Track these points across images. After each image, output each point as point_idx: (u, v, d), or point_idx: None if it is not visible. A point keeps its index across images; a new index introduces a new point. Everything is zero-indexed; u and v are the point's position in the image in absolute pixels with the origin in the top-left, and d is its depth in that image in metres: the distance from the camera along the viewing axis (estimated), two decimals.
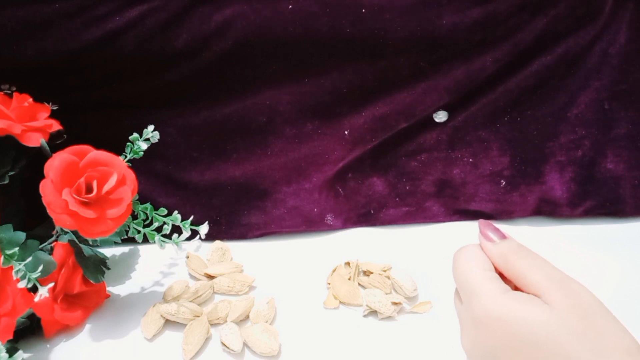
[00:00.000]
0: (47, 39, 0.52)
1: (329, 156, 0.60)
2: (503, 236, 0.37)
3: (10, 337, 0.41)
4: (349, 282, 0.53)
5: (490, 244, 0.37)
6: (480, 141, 0.61)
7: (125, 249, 0.58)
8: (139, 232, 0.47)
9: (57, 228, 0.48)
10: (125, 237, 0.50)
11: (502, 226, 0.60)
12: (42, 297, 0.40)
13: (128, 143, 0.48)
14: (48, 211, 0.43)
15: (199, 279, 0.54)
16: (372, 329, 0.49)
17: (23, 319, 0.45)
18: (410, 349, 0.47)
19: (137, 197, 0.48)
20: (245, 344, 0.46)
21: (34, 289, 0.41)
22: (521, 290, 0.34)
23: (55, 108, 0.52)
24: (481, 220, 0.38)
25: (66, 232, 0.49)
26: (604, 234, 0.60)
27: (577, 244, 0.58)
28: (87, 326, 0.49)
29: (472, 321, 0.35)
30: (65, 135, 0.51)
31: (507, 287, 0.34)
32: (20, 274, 0.40)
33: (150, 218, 0.47)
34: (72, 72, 0.54)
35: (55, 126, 0.50)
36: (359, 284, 0.53)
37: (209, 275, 0.54)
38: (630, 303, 0.50)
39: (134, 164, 0.48)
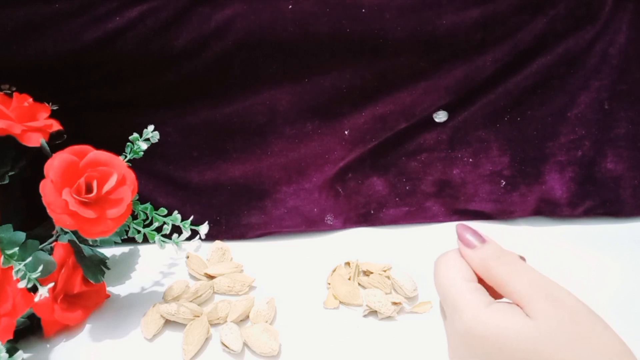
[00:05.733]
0: (47, 39, 0.52)
1: (329, 156, 0.60)
2: (483, 240, 0.35)
3: (10, 337, 0.41)
4: (349, 282, 0.53)
5: (469, 250, 0.35)
6: (480, 141, 0.61)
7: (125, 249, 0.58)
8: (139, 232, 0.47)
9: (57, 228, 0.48)
10: (125, 237, 0.50)
11: (502, 226, 0.61)
12: (42, 297, 0.40)
13: (128, 143, 0.48)
14: (48, 211, 0.43)
15: (199, 279, 0.54)
16: (372, 329, 0.49)
17: (23, 319, 0.45)
18: (410, 349, 0.47)
19: (137, 197, 0.48)
20: (245, 344, 0.46)
21: (34, 289, 0.41)
22: (505, 297, 0.33)
23: (55, 108, 0.52)
24: (459, 224, 0.37)
25: (66, 232, 0.49)
26: (604, 234, 0.60)
27: (577, 244, 0.58)
28: (87, 326, 0.49)
29: (457, 336, 0.34)
30: (65, 135, 0.51)
31: (490, 300, 0.33)
32: (20, 274, 0.40)
33: (150, 218, 0.47)
34: (72, 72, 0.54)
35: (55, 126, 0.50)
36: (359, 284, 0.53)
37: (209, 275, 0.54)
38: (630, 303, 0.50)
39: (134, 164, 0.48)
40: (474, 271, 0.35)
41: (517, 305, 0.32)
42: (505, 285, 0.33)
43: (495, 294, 0.34)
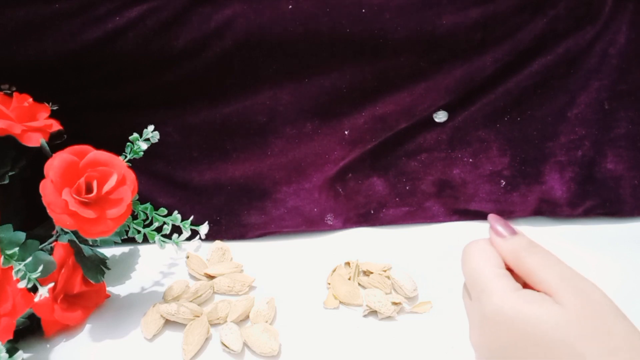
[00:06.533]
0: (47, 39, 0.52)
1: (329, 156, 0.60)
2: (514, 232, 0.36)
3: (10, 337, 0.41)
4: (349, 282, 0.53)
5: (500, 239, 0.36)
6: (480, 141, 0.61)
7: (125, 249, 0.58)
8: (139, 232, 0.47)
9: (57, 228, 0.48)
10: (125, 237, 0.50)
11: None
12: (42, 297, 0.40)
13: (128, 143, 0.48)
14: (48, 211, 0.43)
15: (199, 279, 0.54)
16: (372, 329, 0.49)
17: (23, 319, 0.45)
18: (410, 349, 0.47)
19: (137, 197, 0.48)
20: (245, 344, 0.46)
21: (34, 289, 0.41)
22: (531, 288, 0.34)
23: (55, 108, 0.52)
24: (491, 215, 0.38)
25: (66, 232, 0.49)
26: (604, 234, 0.60)
27: (577, 244, 0.58)
28: (87, 326, 0.49)
29: (482, 318, 0.34)
30: (65, 135, 0.51)
31: (518, 286, 0.34)
32: (20, 274, 0.40)
33: (150, 218, 0.47)
34: (72, 72, 0.54)
35: (55, 126, 0.50)
36: (359, 284, 0.53)
37: (209, 275, 0.54)
38: (630, 303, 0.50)
39: (134, 164, 0.48)
40: (503, 261, 0.36)
41: (546, 294, 0.33)
42: (535, 275, 0.34)
43: (522, 284, 0.34)
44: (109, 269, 0.52)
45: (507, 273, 0.35)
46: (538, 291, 0.33)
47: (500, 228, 0.36)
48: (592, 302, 0.32)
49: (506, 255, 0.35)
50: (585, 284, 0.33)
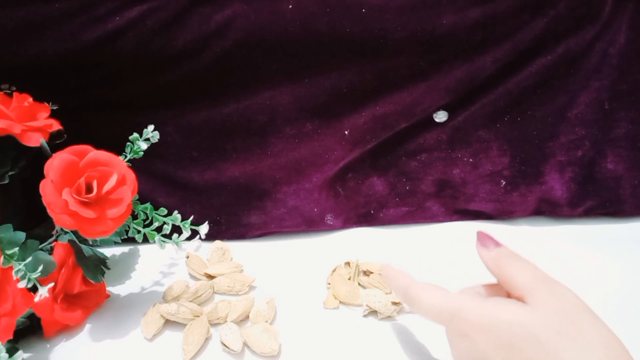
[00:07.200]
0: (47, 39, 0.52)
1: (329, 156, 0.60)
2: (497, 244, 0.40)
3: (10, 337, 0.41)
4: (349, 282, 0.53)
5: (484, 249, 0.39)
6: (480, 141, 0.61)
7: (125, 249, 0.58)
8: (139, 232, 0.47)
9: (57, 228, 0.48)
10: (125, 237, 0.50)
11: (502, 226, 0.61)
12: (42, 297, 0.40)
13: (128, 143, 0.48)
14: (48, 211, 0.43)
15: (199, 279, 0.54)
16: (372, 329, 0.49)
17: (23, 319, 0.45)
18: (410, 349, 0.47)
19: (137, 197, 0.48)
20: (245, 344, 0.46)
21: (34, 289, 0.41)
22: (510, 295, 0.36)
23: (55, 108, 0.52)
24: (479, 231, 0.41)
25: (66, 232, 0.49)
26: (604, 234, 0.60)
27: (577, 244, 0.58)
28: (87, 326, 0.49)
29: (459, 335, 0.36)
30: (65, 135, 0.51)
31: (484, 294, 0.37)
32: (20, 274, 0.40)
33: (150, 218, 0.47)
34: (72, 72, 0.54)
35: (55, 126, 0.50)
36: (359, 284, 0.53)
37: (209, 275, 0.54)
38: (630, 303, 0.50)
39: (134, 164, 0.48)
40: (487, 268, 0.39)
41: (520, 299, 0.35)
42: (512, 279, 0.36)
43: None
44: (109, 269, 0.52)
45: (466, 289, 0.38)
46: (514, 296, 0.36)
47: (485, 241, 0.40)
48: (562, 301, 0.34)
49: (489, 263, 0.39)
50: (557, 286, 0.35)
